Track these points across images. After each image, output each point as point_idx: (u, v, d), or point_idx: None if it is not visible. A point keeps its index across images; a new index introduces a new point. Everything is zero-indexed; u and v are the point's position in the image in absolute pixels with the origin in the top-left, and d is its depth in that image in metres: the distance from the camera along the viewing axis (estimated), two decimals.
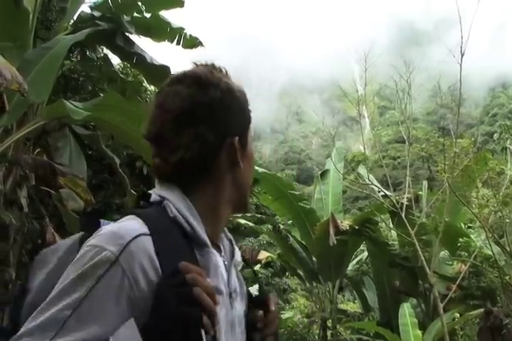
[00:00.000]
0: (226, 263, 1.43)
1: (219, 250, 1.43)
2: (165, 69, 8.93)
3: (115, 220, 1.39)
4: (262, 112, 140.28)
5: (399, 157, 75.41)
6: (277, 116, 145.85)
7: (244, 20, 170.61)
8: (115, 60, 10.55)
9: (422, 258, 12.04)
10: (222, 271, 1.37)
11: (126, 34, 8.89)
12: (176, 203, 1.39)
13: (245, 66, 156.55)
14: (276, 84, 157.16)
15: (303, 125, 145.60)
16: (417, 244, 12.05)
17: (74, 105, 5.62)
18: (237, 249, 1.54)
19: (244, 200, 1.54)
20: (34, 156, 7.33)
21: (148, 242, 1.28)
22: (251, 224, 15.43)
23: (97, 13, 8.87)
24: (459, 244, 13.13)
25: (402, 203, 13.18)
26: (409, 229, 12.21)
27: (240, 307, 1.44)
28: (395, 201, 13.08)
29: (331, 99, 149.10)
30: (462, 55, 12.16)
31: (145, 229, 1.30)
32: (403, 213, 12.62)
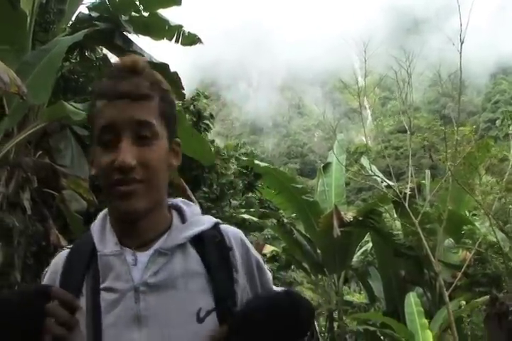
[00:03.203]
0: (140, 258, 1.38)
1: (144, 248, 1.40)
2: (164, 67, 8.97)
3: None
4: (263, 106, 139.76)
5: (401, 147, 75.10)
6: (279, 110, 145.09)
7: (241, 14, 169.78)
8: (115, 59, 10.59)
9: (427, 246, 12.08)
10: (122, 269, 1.36)
11: (125, 33, 8.93)
12: (100, 214, 1.50)
13: (244, 60, 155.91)
14: (277, 77, 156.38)
15: (305, 118, 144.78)
16: (420, 232, 12.08)
17: (74, 106, 5.65)
18: (173, 236, 1.42)
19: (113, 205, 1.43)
20: (35, 159, 7.35)
21: (61, 257, 1.47)
22: (255, 218, 15.45)
23: (94, 14, 8.90)
24: (463, 232, 13.17)
25: (405, 193, 13.21)
26: (413, 218, 12.23)
27: (159, 299, 1.36)
28: (397, 191, 13.09)
29: (332, 91, 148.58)
30: (462, 43, 12.20)
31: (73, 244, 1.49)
32: (406, 203, 12.66)
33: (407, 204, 12.59)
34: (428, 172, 16.87)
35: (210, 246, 1.44)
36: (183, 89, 9.44)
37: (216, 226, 1.50)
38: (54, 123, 7.64)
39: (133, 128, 1.32)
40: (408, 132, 14.87)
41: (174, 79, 9.13)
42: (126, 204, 1.33)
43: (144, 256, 1.37)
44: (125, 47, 8.75)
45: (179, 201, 1.53)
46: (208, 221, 1.49)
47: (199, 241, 1.44)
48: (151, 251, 1.37)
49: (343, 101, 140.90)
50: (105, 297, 1.35)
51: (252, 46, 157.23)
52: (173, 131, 1.45)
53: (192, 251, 1.42)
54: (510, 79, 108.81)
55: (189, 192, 7.28)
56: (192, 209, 1.52)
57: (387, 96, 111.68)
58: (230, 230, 1.52)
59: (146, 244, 1.39)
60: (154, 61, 8.97)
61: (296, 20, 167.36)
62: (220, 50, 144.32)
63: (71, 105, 5.63)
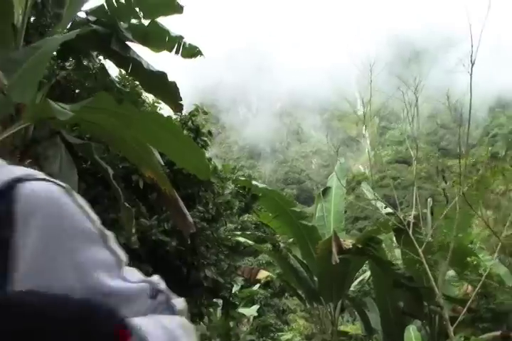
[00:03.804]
0: None
1: None
2: (162, 76, 8.51)
3: None
4: (261, 131, 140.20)
5: (399, 177, 75.20)
6: (277, 136, 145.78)
7: (244, 38, 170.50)
8: (112, 70, 10.11)
9: (431, 278, 11.53)
10: None
11: (122, 39, 8.47)
12: None
13: (245, 84, 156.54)
14: (276, 103, 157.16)
15: (303, 145, 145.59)
16: (425, 263, 11.54)
17: (61, 106, 5.19)
18: None
19: None
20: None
21: None
22: (250, 242, 14.96)
23: (92, 18, 8.46)
24: (466, 264, 12.72)
25: (408, 221, 12.73)
26: (417, 247, 11.70)
27: None
28: (402, 218, 12.58)
29: (331, 118, 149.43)
30: (472, 64, 11.79)
31: None
32: (411, 231, 12.15)
33: (411, 232, 12.07)
34: (430, 200, 16.38)
35: None
36: (181, 100, 8.93)
37: (11, 186, 0.87)
38: (44, 129, 7.16)
39: None
40: (414, 158, 14.41)
41: (172, 90, 8.66)
42: None
43: None
44: (122, 53, 8.29)
45: None
46: None
47: None
48: None
49: (341, 129, 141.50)
50: None
51: (254, 70, 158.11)
52: None
53: None
54: (509, 113, 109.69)
55: (181, 203, 6.71)
56: None
57: (386, 126, 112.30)
58: (35, 194, 0.88)
59: None
60: (152, 69, 8.51)
61: (298, 47, 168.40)
62: (221, 73, 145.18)
63: (58, 105, 5.15)
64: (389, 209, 14.82)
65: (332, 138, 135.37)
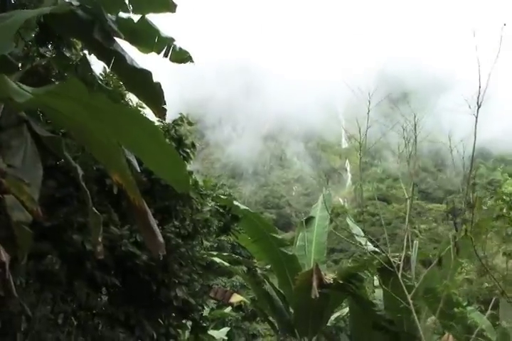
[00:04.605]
0: None
1: None
2: (146, 74, 7.52)
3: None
4: (245, 152, 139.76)
5: (377, 214, 74.94)
6: (261, 158, 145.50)
7: (236, 56, 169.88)
8: (97, 66, 9.15)
9: (419, 325, 10.62)
10: None
11: (107, 30, 7.49)
12: None
13: (233, 103, 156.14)
14: (263, 125, 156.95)
15: (285, 170, 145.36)
16: (413, 309, 10.62)
17: (21, 87, 4.26)
18: None
19: None
20: None
21: None
22: (226, 263, 14.07)
23: (75, 2, 7.49)
24: (453, 315, 11.92)
25: (398, 264, 11.85)
26: (406, 293, 10.78)
27: None
28: (391, 259, 11.68)
29: (315, 148, 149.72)
30: (479, 107, 11.02)
31: None
32: (400, 273, 11.25)
33: (400, 275, 11.15)
34: (416, 242, 15.50)
35: None
36: (165, 103, 7.94)
37: None
38: (11, 116, 6.22)
39: None
40: (406, 196, 13.53)
41: (156, 92, 7.66)
42: None
43: None
44: (105, 44, 7.26)
45: None
46: None
47: None
48: None
49: (324, 160, 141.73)
50: None
51: (243, 90, 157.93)
52: None
53: None
54: (489, 164, 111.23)
55: (151, 218, 5.64)
56: None
57: (368, 162, 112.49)
58: None
59: None
60: (136, 66, 7.54)
61: (290, 70, 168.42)
62: (211, 89, 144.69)
63: (18, 85, 4.23)
64: (372, 246, 14.20)
65: (314, 168, 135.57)
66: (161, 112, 7.89)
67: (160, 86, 7.69)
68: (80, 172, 6.49)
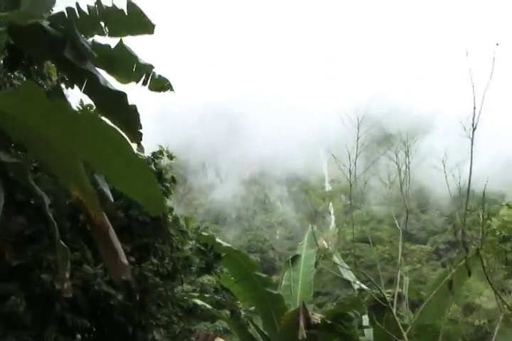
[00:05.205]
0: None
1: None
2: (121, 96, 7.09)
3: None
4: (228, 197, 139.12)
5: (362, 256, 74.46)
6: (244, 203, 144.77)
7: (216, 102, 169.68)
8: (73, 98, 8.68)
9: None
10: None
11: (79, 48, 7.03)
12: None
13: (216, 148, 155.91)
14: (245, 170, 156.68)
15: (268, 214, 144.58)
16: None
17: None
18: None
19: None
20: None
21: None
22: (208, 306, 13.41)
23: (46, 22, 7.05)
24: None
25: (389, 299, 11.32)
26: (402, 330, 10.19)
27: None
28: (385, 294, 11.12)
29: (298, 191, 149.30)
30: (474, 129, 10.74)
31: None
32: (394, 309, 10.66)
33: (394, 311, 10.57)
34: (407, 279, 15.02)
35: None
36: (141, 128, 7.45)
37: None
38: None
39: None
40: (400, 238, 13.20)
41: (132, 114, 7.20)
42: None
43: None
44: (76, 64, 6.82)
45: None
46: None
47: None
48: None
49: (307, 203, 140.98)
50: None
51: (225, 135, 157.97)
52: None
53: None
54: (473, 203, 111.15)
55: (113, 235, 4.99)
56: None
57: (353, 205, 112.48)
58: None
59: None
60: (110, 87, 7.08)
61: (272, 115, 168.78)
62: (193, 134, 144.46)
63: None
64: (360, 285, 13.83)
65: (298, 211, 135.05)
66: (136, 137, 7.36)
67: (136, 109, 7.24)
68: (47, 201, 5.96)
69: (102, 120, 4.27)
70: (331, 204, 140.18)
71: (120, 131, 4.14)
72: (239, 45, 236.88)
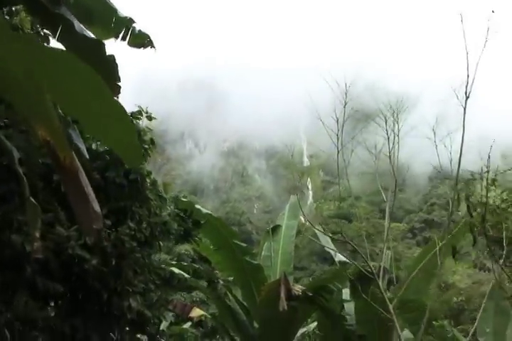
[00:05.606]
0: None
1: None
2: (99, 45, 6.48)
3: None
4: (206, 168, 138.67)
5: (339, 232, 74.98)
6: (222, 175, 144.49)
7: (196, 71, 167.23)
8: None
9: (401, 337, 9.72)
10: None
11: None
12: None
13: (195, 118, 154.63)
14: (224, 142, 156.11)
15: (247, 187, 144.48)
16: (396, 322, 9.69)
17: None
18: None
19: None
20: None
21: None
22: (186, 275, 12.95)
23: None
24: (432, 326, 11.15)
25: (372, 272, 11.01)
26: (388, 303, 9.85)
27: None
28: (372, 267, 10.78)
29: (277, 165, 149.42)
30: (467, 97, 10.42)
31: None
32: (380, 282, 10.31)
33: (380, 284, 10.22)
34: (390, 252, 14.75)
35: None
36: (120, 80, 6.85)
37: None
38: None
39: None
40: (387, 216, 12.94)
41: (109, 65, 6.58)
42: None
43: None
44: (50, 8, 6.19)
45: None
46: None
47: None
48: None
49: (286, 177, 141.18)
50: None
51: (205, 106, 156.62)
52: None
53: None
54: (450, 183, 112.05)
55: (85, 181, 4.38)
56: None
57: (330, 181, 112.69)
58: None
59: None
60: (86, 35, 6.46)
61: (252, 87, 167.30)
62: (172, 105, 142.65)
63: None
64: (342, 258, 13.87)
65: (276, 185, 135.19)
66: (114, 90, 6.76)
67: (114, 59, 6.63)
68: (16, 155, 5.41)
69: (76, 58, 3.70)
70: (309, 179, 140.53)
71: (94, 71, 3.59)
72: (219, 7, 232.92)
